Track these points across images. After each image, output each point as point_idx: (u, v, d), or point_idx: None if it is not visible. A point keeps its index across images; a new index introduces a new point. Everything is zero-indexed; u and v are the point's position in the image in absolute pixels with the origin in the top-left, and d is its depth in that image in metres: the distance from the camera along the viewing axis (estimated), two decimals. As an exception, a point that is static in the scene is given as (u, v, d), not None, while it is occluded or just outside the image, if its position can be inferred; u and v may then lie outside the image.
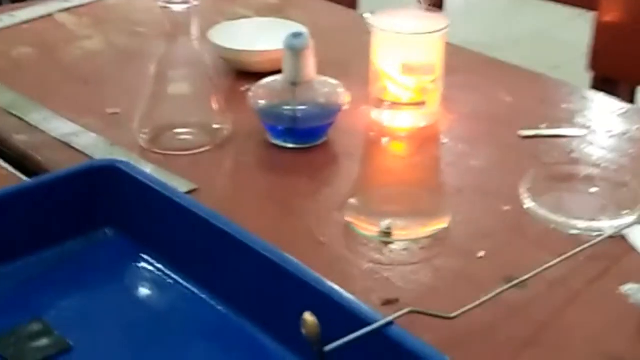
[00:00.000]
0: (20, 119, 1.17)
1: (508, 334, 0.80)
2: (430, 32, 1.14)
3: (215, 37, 1.30)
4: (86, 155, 1.08)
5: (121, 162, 0.91)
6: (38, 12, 1.54)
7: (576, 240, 0.92)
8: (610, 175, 1.03)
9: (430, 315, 0.75)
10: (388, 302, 0.83)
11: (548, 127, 1.15)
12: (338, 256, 0.91)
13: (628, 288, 0.84)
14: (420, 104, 1.16)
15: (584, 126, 1.16)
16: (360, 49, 1.22)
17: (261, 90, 1.12)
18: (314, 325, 0.64)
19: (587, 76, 1.67)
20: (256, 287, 0.78)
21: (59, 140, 1.12)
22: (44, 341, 0.75)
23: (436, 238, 0.93)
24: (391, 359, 0.67)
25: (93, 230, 0.90)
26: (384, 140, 1.15)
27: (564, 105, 1.22)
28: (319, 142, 1.11)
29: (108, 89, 1.28)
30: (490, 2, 4.11)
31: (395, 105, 1.16)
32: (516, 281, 0.83)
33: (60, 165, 1.03)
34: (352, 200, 0.98)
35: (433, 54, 1.15)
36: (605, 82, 1.61)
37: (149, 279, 0.85)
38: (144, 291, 0.85)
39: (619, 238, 0.92)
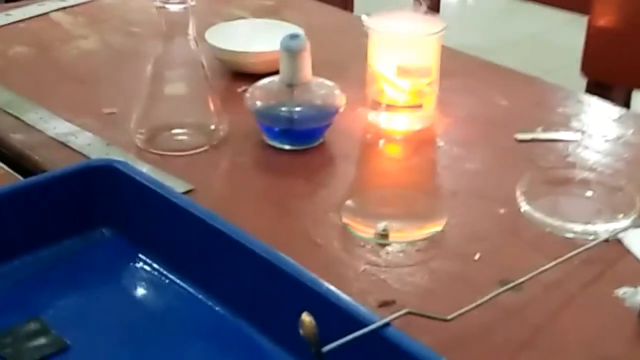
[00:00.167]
0: (16, 118, 1.17)
1: (504, 336, 0.80)
2: (426, 35, 1.15)
3: (211, 38, 1.30)
4: (83, 155, 1.08)
5: (118, 161, 0.91)
6: (34, 11, 1.54)
7: (572, 243, 0.92)
8: (606, 179, 1.03)
9: (427, 317, 0.75)
10: (384, 304, 0.83)
11: (544, 131, 1.15)
12: (334, 258, 0.91)
13: (623, 291, 0.85)
14: (417, 106, 1.17)
15: (579, 130, 1.16)
16: (356, 50, 1.22)
17: (258, 92, 1.13)
18: (311, 326, 0.64)
19: (582, 80, 1.67)
20: (253, 287, 0.78)
21: (56, 140, 1.12)
22: (41, 340, 0.76)
23: (432, 240, 0.93)
24: (388, 361, 0.68)
25: (90, 230, 0.90)
26: (381, 142, 1.16)
27: (559, 109, 1.22)
28: (316, 143, 1.12)
29: (104, 88, 1.28)
30: (486, 6, 4.12)
31: (391, 107, 1.17)
32: (512, 284, 0.83)
33: (56, 164, 1.03)
34: (349, 202, 0.98)
35: (429, 57, 1.16)
36: (599, 87, 1.62)
37: (145, 278, 0.85)
38: (141, 291, 0.85)
39: (614, 242, 0.93)
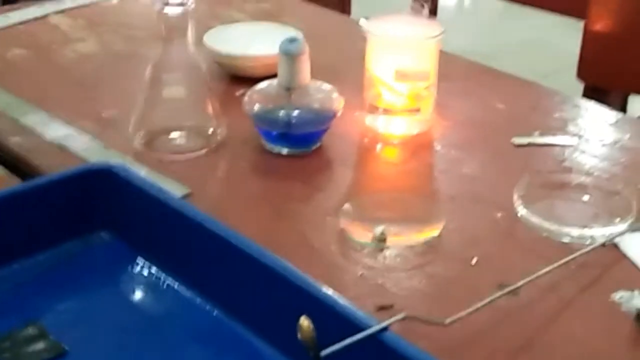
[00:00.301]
0: (15, 121, 1.17)
1: (501, 340, 0.81)
2: (424, 39, 1.15)
3: (209, 41, 1.30)
4: (81, 158, 1.08)
5: (117, 165, 0.91)
6: (32, 14, 1.54)
7: (568, 248, 0.92)
8: (603, 184, 1.03)
9: (425, 321, 0.75)
10: (382, 308, 0.83)
11: (541, 135, 1.16)
12: (332, 262, 0.92)
13: (620, 296, 0.85)
14: (414, 110, 1.17)
15: (576, 135, 1.17)
16: (354, 54, 1.22)
17: (256, 95, 1.13)
18: (309, 330, 0.65)
19: (579, 85, 1.68)
20: (251, 291, 0.78)
21: (54, 143, 1.12)
22: (39, 345, 0.76)
23: (430, 245, 0.94)
24: (386, 365, 0.68)
25: (88, 233, 0.90)
26: (378, 146, 1.16)
27: (556, 114, 1.23)
28: (313, 147, 1.12)
29: (103, 92, 1.28)
30: (483, 11, 4.12)
31: (389, 111, 1.17)
32: (509, 288, 0.84)
33: (54, 168, 1.03)
34: (346, 206, 0.98)
35: (427, 61, 1.16)
36: (596, 91, 1.62)
37: (144, 282, 0.86)
38: (139, 295, 0.85)
39: (610, 246, 0.93)
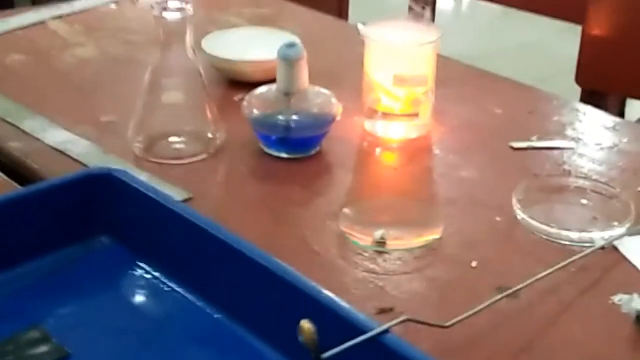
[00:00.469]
0: (14, 126, 1.17)
1: (501, 342, 0.81)
2: (422, 44, 1.16)
3: (208, 46, 1.31)
4: (81, 163, 1.08)
5: (117, 170, 0.91)
6: (31, 20, 1.55)
7: (568, 251, 0.93)
8: (601, 188, 1.04)
9: (425, 324, 0.75)
10: (383, 311, 0.84)
11: (539, 139, 1.16)
12: (333, 265, 0.92)
13: (619, 298, 0.85)
14: (413, 115, 1.17)
15: (574, 139, 1.17)
16: (352, 59, 1.23)
17: (255, 100, 1.13)
18: (311, 333, 0.65)
19: (577, 89, 1.68)
20: (252, 295, 0.78)
21: (53, 148, 1.12)
22: (42, 349, 0.76)
23: (430, 248, 0.94)
24: (387, 367, 0.68)
25: (89, 238, 0.90)
26: (377, 150, 1.16)
27: (554, 118, 1.23)
28: (313, 152, 1.12)
29: (102, 97, 1.28)
30: (481, 15, 4.13)
31: (387, 116, 1.17)
32: (509, 291, 0.84)
33: (54, 173, 1.04)
34: (346, 210, 0.98)
35: (425, 66, 1.16)
36: (594, 95, 1.63)
37: (145, 286, 0.86)
38: (140, 299, 0.86)
39: (610, 249, 0.94)
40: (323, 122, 1.12)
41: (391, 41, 1.16)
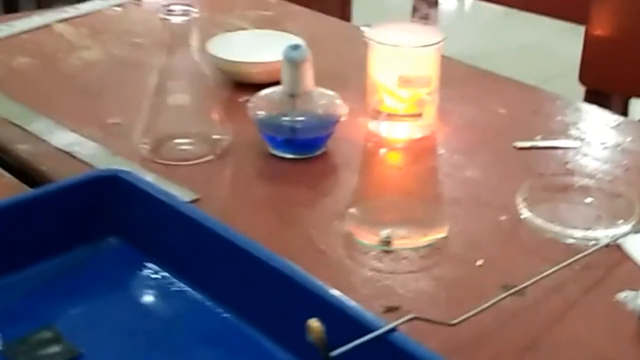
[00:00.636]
0: (22, 128, 1.18)
1: (507, 340, 0.82)
2: (426, 45, 1.16)
3: (213, 48, 1.31)
4: (88, 165, 1.09)
5: (124, 172, 0.92)
6: (36, 23, 1.56)
7: (572, 249, 0.93)
8: (605, 186, 1.04)
9: (432, 322, 0.76)
10: (390, 310, 0.84)
11: (543, 139, 1.17)
12: (339, 265, 0.93)
13: (624, 295, 0.86)
14: (417, 115, 1.18)
15: (578, 138, 1.18)
16: (356, 60, 1.23)
17: (260, 102, 1.14)
18: (319, 331, 0.66)
19: (580, 88, 1.69)
20: (260, 294, 0.79)
21: (61, 150, 1.13)
22: (54, 349, 0.76)
23: (435, 247, 0.95)
24: (394, 365, 0.69)
25: (98, 239, 0.91)
26: (382, 151, 1.17)
27: (558, 118, 1.24)
28: (318, 152, 1.13)
29: (108, 99, 1.29)
30: (483, 15, 4.13)
31: (392, 116, 1.18)
32: (514, 289, 0.85)
33: (62, 175, 1.04)
34: (352, 210, 0.99)
35: (429, 67, 1.17)
36: (597, 95, 1.64)
37: (153, 286, 0.87)
38: (149, 298, 0.86)
39: (614, 247, 0.94)
40: (328, 123, 1.13)
41: (395, 44, 1.16)
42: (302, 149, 1.12)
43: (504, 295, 0.84)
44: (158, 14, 1.09)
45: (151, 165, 1.10)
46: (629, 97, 1.72)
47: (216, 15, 1.59)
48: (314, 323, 0.66)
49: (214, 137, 1.13)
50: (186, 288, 0.85)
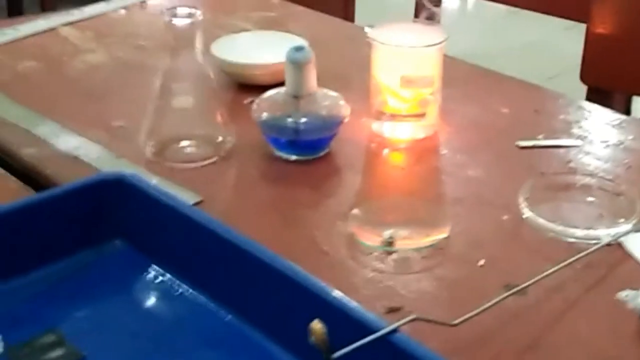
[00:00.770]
0: (27, 132, 1.19)
1: (509, 340, 0.82)
2: (429, 45, 1.17)
3: (217, 50, 1.32)
4: (93, 167, 1.10)
5: (129, 174, 0.93)
6: (41, 26, 1.56)
7: (574, 248, 0.94)
8: (607, 185, 1.05)
9: (434, 322, 0.77)
10: (392, 310, 0.85)
11: (545, 138, 1.17)
12: (342, 266, 0.93)
13: (625, 294, 0.86)
14: (420, 115, 1.18)
15: (580, 137, 1.18)
16: (359, 61, 1.24)
17: (264, 103, 1.14)
18: (322, 333, 0.66)
19: (582, 87, 1.69)
20: (264, 296, 0.80)
21: (66, 153, 1.14)
22: (58, 352, 0.77)
23: (437, 247, 0.95)
24: (396, 366, 0.69)
25: (103, 242, 0.91)
26: (385, 151, 1.18)
27: (560, 116, 1.24)
28: (321, 153, 1.14)
29: (113, 102, 1.30)
30: (485, 14, 4.13)
31: (395, 117, 1.18)
32: (516, 289, 0.85)
33: (67, 178, 1.05)
34: (355, 211, 1.00)
35: (432, 67, 1.17)
36: (599, 93, 1.64)
37: (157, 289, 0.87)
38: (153, 301, 0.87)
39: (615, 246, 0.95)
40: (331, 124, 1.14)
41: (398, 43, 1.17)
42: (305, 150, 1.13)
43: (505, 294, 0.84)
44: (162, 17, 1.10)
45: (156, 167, 1.10)
46: (631, 95, 1.72)
47: (219, 17, 1.59)
48: (317, 325, 0.66)
49: (218, 139, 1.14)
50: (189, 291, 0.86)
